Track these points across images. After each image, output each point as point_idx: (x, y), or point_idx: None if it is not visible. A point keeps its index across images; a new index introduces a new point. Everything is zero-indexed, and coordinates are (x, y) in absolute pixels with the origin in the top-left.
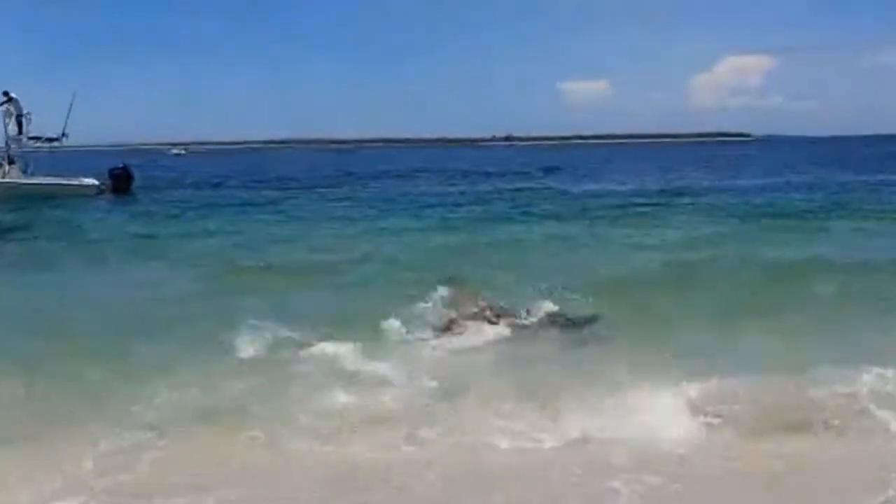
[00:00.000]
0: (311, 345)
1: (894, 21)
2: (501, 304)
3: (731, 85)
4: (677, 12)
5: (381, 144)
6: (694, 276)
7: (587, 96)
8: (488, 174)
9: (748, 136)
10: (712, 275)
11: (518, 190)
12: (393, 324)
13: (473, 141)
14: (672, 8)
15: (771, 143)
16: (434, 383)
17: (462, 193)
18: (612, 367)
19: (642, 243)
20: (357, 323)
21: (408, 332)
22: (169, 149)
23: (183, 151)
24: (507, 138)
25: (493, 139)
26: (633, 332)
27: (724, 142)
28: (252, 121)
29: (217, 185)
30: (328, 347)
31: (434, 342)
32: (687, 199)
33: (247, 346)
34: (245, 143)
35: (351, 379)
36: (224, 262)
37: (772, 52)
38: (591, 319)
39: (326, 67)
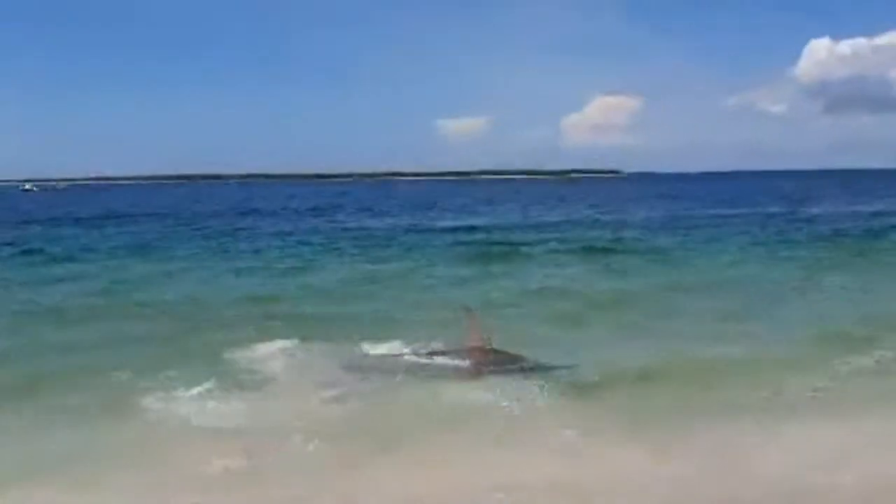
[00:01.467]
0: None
1: (747, 66)
2: None
3: (602, 123)
4: (552, 52)
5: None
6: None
7: (465, 133)
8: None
9: (619, 172)
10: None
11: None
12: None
13: (350, 176)
14: (547, 48)
15: (640, 179)
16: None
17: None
18: None
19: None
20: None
21: None
22: (19, 185)
23: (34, 188)
24: (388, 173)
25: (374, 174)
26: None
27: (597, 178)
28: (120, 155)
29: None
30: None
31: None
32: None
33: None
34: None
35: None
36: None
37: (640, 93)
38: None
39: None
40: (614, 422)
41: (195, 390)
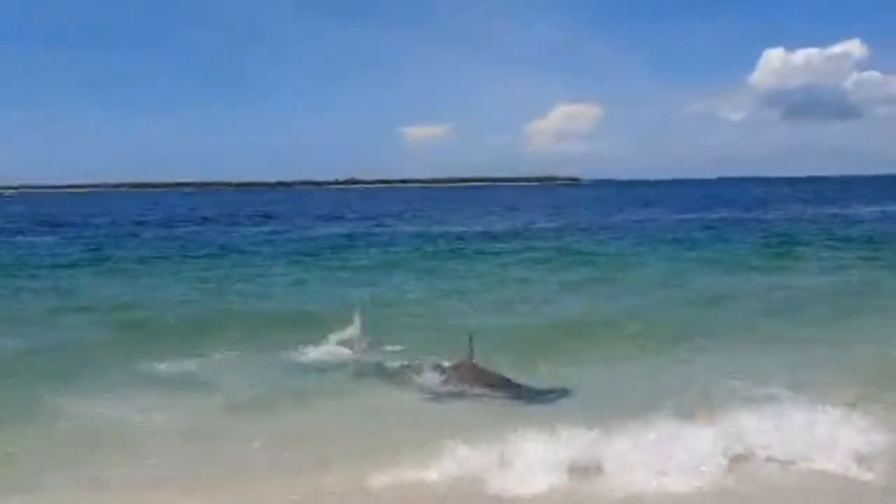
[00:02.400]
0: None
1: (706, 75)
2: None
3: (564, 131)
4: (511, 62)
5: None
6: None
7: (428, 140)
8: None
9: (578, 179)
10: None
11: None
12: None
13: (317, 184)
14: (506, 58)
15: (598, 186)
16: None
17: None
18: None
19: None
20: None
21: None
22: None
23: None
24: (351, 181)
25: (336, 182)
26: None
27: (558, 185)
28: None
29: None
30: None
31: None
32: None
33: None
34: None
35: None
36: None
37: (600, 101)
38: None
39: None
40: None
41: (121, 394)
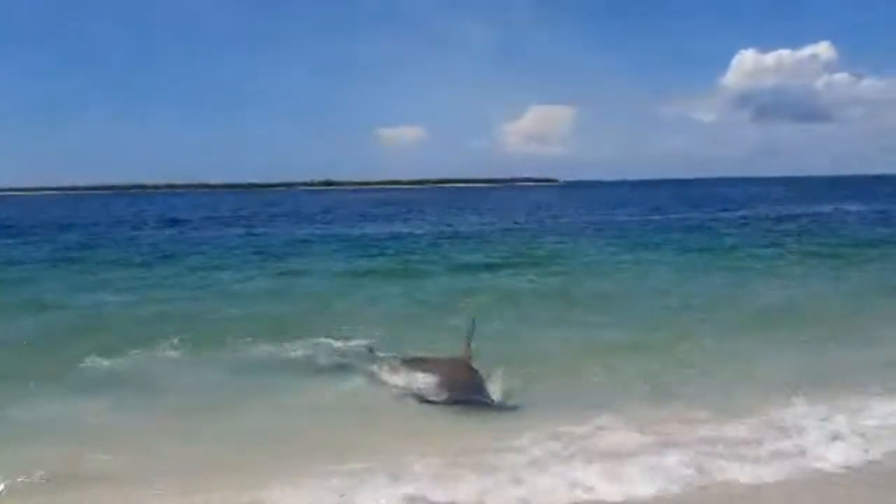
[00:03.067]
0: None
1: (678, 76)
2: None
3: (538, 132)
4: (484, 63)
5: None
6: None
7: (404, 142)
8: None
9: (554, 181)
10: None
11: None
12: None
13: (290, 185)
14: (485, 58)
15: (573, 187)
16: None
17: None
18: None
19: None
20: None
21: None
22: None
23: None
24: (326, 182)
25: (311, 183)
26: None
27: (532, 187)
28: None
29: None
30: None
31: None
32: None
33: None
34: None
35: None
36: None
37: (575, 102)
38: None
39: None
40: None
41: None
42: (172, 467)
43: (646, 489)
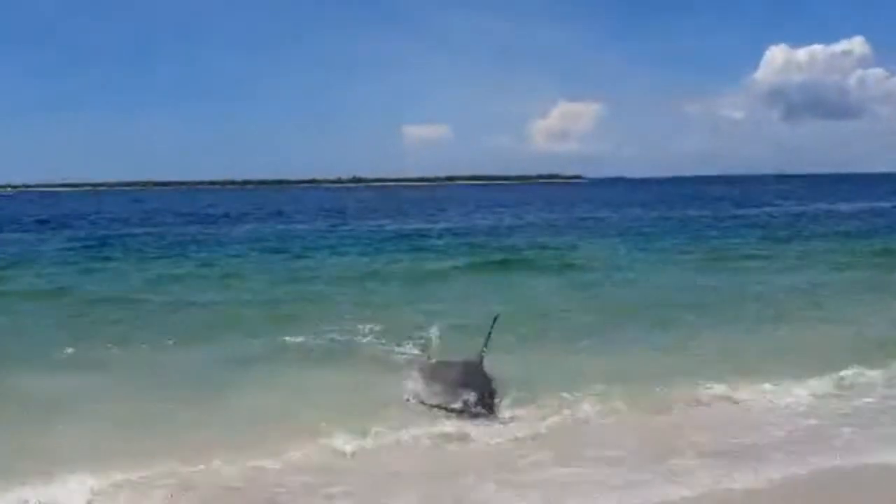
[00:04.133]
0: None
1: (708, 73)
2: None
3: (565, 129)
4: (511, 60)
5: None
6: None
7: (430, 139)
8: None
9: (580, 177)
10: None
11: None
12: None
13: (318, 182)
14: (509, 56)
15: (599, 184)
16: None
17: None
18: None
19: None
20: None
21: None
22: None
23: None
24: (354, 179)
25: (339, 181)
26: None
27: (561, 183)
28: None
29: None
30: None
31: None
32: None
33: None
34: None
35: None
36: None
37: (603, 99)
38: None
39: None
40: None
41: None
42: (156, 446)
43: None
